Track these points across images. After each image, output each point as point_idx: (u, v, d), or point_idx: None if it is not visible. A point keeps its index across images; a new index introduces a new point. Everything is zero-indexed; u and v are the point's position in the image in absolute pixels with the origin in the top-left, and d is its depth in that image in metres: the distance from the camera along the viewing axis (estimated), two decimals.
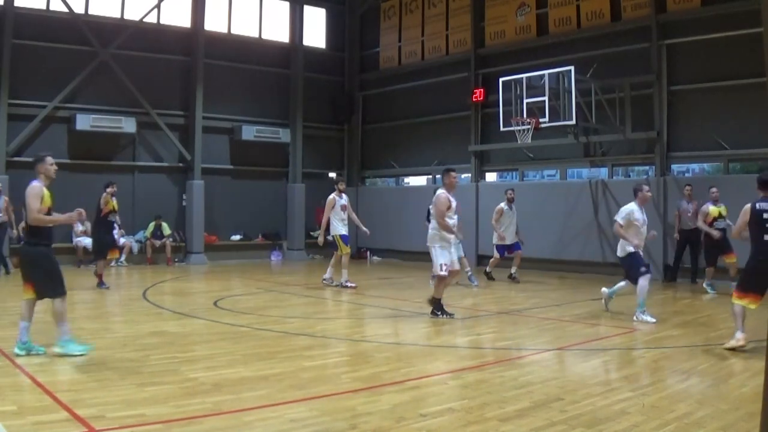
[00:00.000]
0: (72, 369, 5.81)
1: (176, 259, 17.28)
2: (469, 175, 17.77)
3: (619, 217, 8.78)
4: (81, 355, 6.24)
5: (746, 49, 12.20)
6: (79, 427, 4.24)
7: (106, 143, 16.65)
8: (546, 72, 13.40)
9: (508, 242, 13.18)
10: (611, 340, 7.48)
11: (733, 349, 6.60)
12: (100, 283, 11.69)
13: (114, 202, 11.98)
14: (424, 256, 14.65)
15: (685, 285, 12.71)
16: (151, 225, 16.91)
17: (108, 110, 16.44)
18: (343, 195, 12.84)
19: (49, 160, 6.67)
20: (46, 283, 6.41)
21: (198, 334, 7.78)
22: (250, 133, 18.49)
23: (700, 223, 11.37)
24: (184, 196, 17.84)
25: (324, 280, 12.74)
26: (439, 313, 8.82)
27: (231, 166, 18.82)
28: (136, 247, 16.73)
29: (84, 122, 15.98)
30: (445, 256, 8.76)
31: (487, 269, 13.62)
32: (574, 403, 4.94)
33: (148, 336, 7.45)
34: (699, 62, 13.68)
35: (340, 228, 12.50)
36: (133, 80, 16.77)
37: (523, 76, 13.92)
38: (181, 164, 17.93)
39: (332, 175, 21.16)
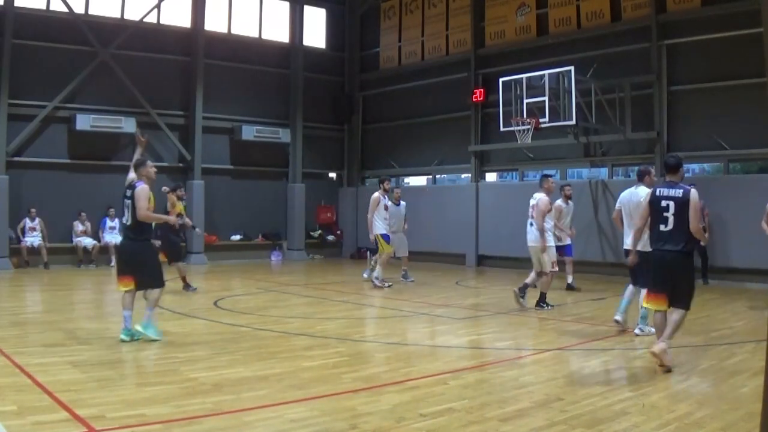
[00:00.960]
0: (72, 369, 5.81)
1: None
2: (469, 175, 17.77)
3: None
4: (156, 340, 6.94)
5: (746, 49, 12.20)
6: (79, 427, 4.24)
7: (106, 143, 16.64)
8: (546, 72, 13.39)
9: (566, 242, 11.81)
10: (611, 340, 7.48)
11: (664, 366, 5.86)
12: (187, 286, 11.46)
13: (181, 205, 11.84)
14: (424, 256, 14.74)
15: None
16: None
17: (108, 110, 16.44)
18: (387, 195, 12.69)
19: (149, 163, 7.43)
20: (149, 274, 7.10)
21: (198, 334, 7.77)
22: (250, 133, 18.48)
23: (763, 224, 9.42)
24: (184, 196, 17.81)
25: (374, 280, 12.47)
26: (545, 305, 9.58)
27: (231, 166, 18.82)
28: None
29: (84, 122, 15.98)
30: (553, 255, 9.76)
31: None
32: (574, 403, 4.94)
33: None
34: (699, 62, 13.68)
35: (381, 228, 12.44)
36: (133, 80, 16.77)
37: (523, 76, 13.91)
38: (181, 164, 17.93)
39: (332, 175, 21.21)
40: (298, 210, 19.38)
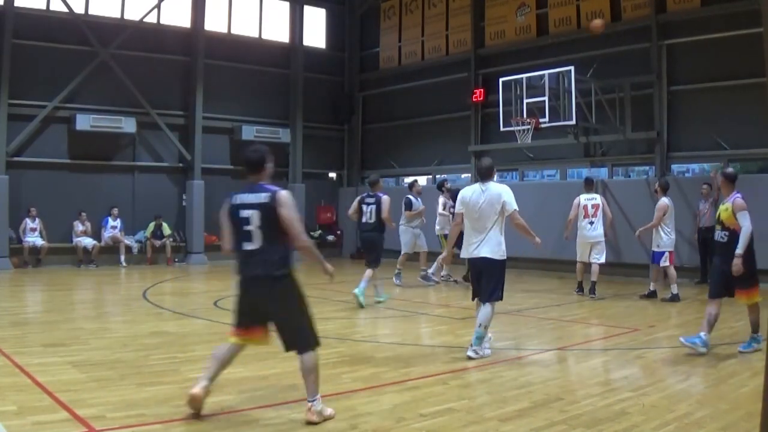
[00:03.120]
0: (72, 369, 5.81)
1: (176, 259, 17.27)
2: (469, 175, 17.76)
3: (515, 205, 6.54)
4: (361, 305, 9.76)
5: (746, 49, 12.19)
6: (79, 427, 4.24)
7: (106, 143, 16.65)
8: (546, 72, 13.39)
9: (669, 248, 10.62)
10: (611, 340, 7.48)
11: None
12: (430, 277, 12.73)
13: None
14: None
15: (691, 285, 12.70)
16: (151, 225, 16.91)
17: (108, 110, 16.44)
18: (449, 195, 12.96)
19: (380, 180, 10.97)
20: (373, 258, 10.20)
21: (198, 334, 7.77)
22: (250, 133, 18.46)
23: None
24: (184, 196, 17.83)
25: (442, 277, 13.15)
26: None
27: (231, 166, 18.79)
28: (136, 248, 16.73)
29: (84, 122, 15.97)
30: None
31: (652, 288, 10.88)
32: (574, 403, 4.94)
33: (148, 336, 7.45)
34: (699, 62, 13.68)
35: (446, 228, 12.60)
36: (133, 80, 16.76)
37: (523, 76, 13.91)
38: (181, 164, 17.93)
39: (332, 175, 21.21)
40: (298, 210, 19.34)
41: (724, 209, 6.63)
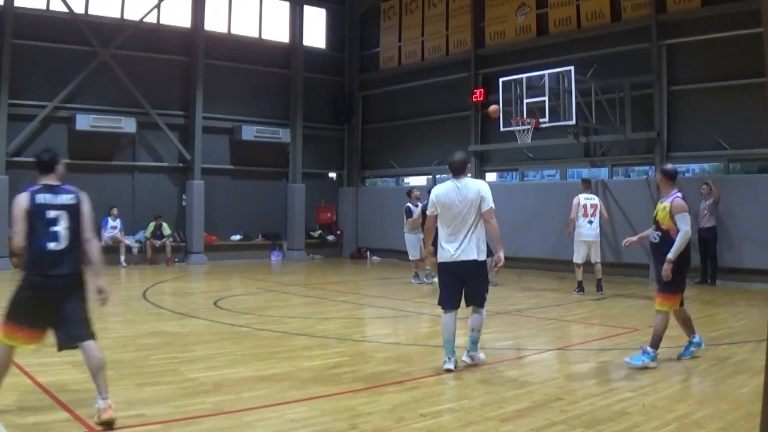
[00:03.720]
0: (72, 369, 5.80)
1: (176, 259, 17.28)
2: (469, 175, 17.69)
3: (492, 203, 6.06)
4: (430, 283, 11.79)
5: (746, 49, 12.19)
6: (79, 427, 4.25)
7: (106, 143, 16.64)
8: (546, 72, 13.37)
9: None
10: (611, 340, 7.48)
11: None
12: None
13: None
14: None
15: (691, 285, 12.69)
16: (151, 225, 16.90)
17: (108, 110, 16.43)
18: None
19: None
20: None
21: (198, 334, 7.78)
22: (250, 133, 18.48)
23: None
24: (184, 196, 17.83)
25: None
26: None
27: (231, 166, 18.81)
28: (136, 248, 16.73)
29: (84, 122, 15.97)
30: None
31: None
32: (574, 403, 4.94)
33: (148, 336, 7.45)
34: (699, 62, 13.68)
35: None
36: (133, 80, 16.76)
37: (523, 76, 13.89)
38: (181, 164, 17.93)
39: (332, 175, 21.21)
40: (298, 210, 19.38)
41: (662, 208, 6.16)
